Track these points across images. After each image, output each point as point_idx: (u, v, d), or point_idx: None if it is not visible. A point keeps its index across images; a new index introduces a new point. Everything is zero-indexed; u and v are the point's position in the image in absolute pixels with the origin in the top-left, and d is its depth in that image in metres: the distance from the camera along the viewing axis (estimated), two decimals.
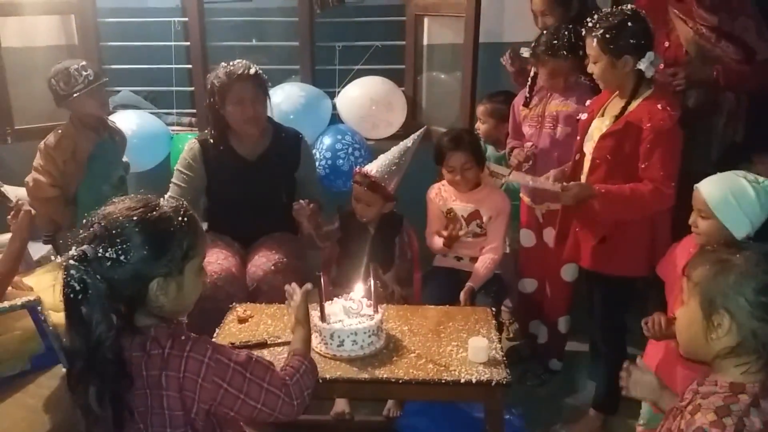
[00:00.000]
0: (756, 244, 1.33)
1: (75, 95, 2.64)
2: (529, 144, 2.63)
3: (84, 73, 2.65)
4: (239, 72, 2.55)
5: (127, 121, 3.35)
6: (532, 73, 2.64)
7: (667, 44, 2.68)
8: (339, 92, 3.52)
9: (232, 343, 2.02)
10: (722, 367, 1.26)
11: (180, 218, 1.33)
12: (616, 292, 2.32)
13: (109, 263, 1.26)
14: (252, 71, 2.58)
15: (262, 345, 2.04)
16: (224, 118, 2.60)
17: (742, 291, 1.21)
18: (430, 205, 2.74)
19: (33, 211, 2.17)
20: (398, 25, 3.61)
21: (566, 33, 2.44)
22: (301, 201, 2.49)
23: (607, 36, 2.10)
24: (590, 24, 2.16)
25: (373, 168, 2.52)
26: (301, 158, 2.74)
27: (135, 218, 1.29)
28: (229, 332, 2.12)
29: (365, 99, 3.44)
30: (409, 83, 3.60)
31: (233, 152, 2.65)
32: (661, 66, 2.57)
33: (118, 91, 3.80)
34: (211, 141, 2.64)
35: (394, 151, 2.54)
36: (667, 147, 2.09)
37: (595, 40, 2.13)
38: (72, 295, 1.24)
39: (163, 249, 1.30)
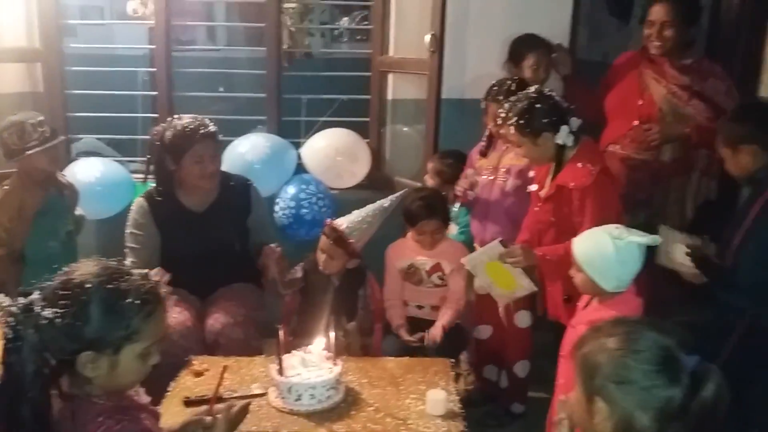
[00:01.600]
0: (633, 320, 1.26)
1: (27, 153, 2.57)
2: (470, 171, 2.72)
3: (40, 130, 2.59)
4: (201, 131, 2.51)
5: (90, 168, 3.33)
6: (487, 131, 2.74)
7: (641, 102, 2.83)
8: (304, 143, 3.57)
9: (187, 398, 1.99)
10: None
11: (136, 299, 1.29)
12: None
13: (45, 321, 1.23)
14: (212, 129, 2.56)
15: (218, 399, 1.99)
16: (172, 173, 2.55)
17: (611, 380, 1.15)
18: (388, 264, 2.77)
19: None
20: (364, 79, 3.70)
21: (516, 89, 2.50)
22: (272, 245, 2.49)
23: (521, 122, 2.24)
24: (503, 115, 2.30)
25: (343, 222, 2.53)
26: (252, 205, 2.71)
27: (87, 285, 1.26)
28: (185, 386, 2.09)
29: (330, 150, 3.49)
30: (373, 135, 3.67)
31: (181, 206, 2.60)
32: (636, 122, 2.76)
33: (81, 138, 3.79)
34: (158, 198, 2.58)
35: (369, 209, 2.55)
36: (595, 200, 2.20)
37: (512, 128, 2.26)
38: (7, 342, 1.22)
39: (101, 324, 1.26)
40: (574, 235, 2.20)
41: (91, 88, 3.72)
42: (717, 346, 2.12)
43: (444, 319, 2.63)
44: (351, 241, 2.50)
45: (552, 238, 2.34)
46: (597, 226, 2.13)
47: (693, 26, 2.87)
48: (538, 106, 2.24)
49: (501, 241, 2.37)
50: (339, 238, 2.50)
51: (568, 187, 2.24)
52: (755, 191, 2.25)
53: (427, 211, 2.63)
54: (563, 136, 2.24)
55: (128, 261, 2.47)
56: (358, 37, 5.33)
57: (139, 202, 2.63)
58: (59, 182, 2.82)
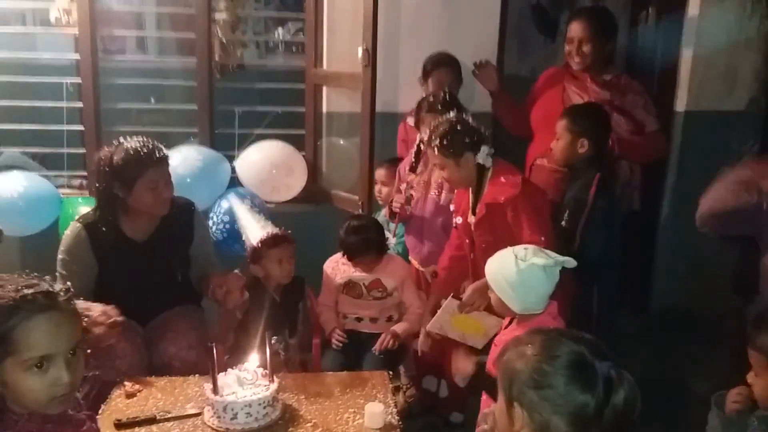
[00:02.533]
0: (550, 330, 1.30)
1: None
2: (403, 186, 2.76)
3: None
4: (156, 155, 2.38)
5: (13, 182, 3.19)
6: (417, 140, 2.78)
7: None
8: (238, 156, 3.53)
9: (119, 420, 1.94)
10: None
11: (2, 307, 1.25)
12: None
13: None
14: (165, 153, 2.44)
15: (151, 421, 1.96)
16: (118, 200, 2.40)
17: (528, 385, 1.19)
18: (325, 277, 2.79)
19: None
20: (298, 91, 3.69)
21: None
22: (236, 272, 2.42)
23: (444, 143, 2.32)
24: (426, 139, 2.39)
25: (267, 228, 2.57)
26: (195, 232, 2.60)
27: None
28: (116, 408, 2.03)
29: (266, 163, 3.46)
30: (309, 148, 3.67)
31: (122, 235, 2.45)
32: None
33: (1, 152, 3.62)
34: (99, 226, 2.42)
35: (249, 213, 2.73)
36: (528, 207, 2.29)
37: (436, 149, 2.33)
38: None
39: None
40: None
41: (13, 98, 3.57)
42: None
43: (401, 327, 2.65)
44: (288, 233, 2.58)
45: None
46: (536, 231, 2.23)
47: (610, 43, 3.02)
48: (458, 128, 2.33)
49: (454, 296, 2.41)
50: (289, 237, 2.57)
51: (498, 203, 2.31)
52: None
53: (363, 248, 2.66)
54: (483, 156, 2.33)
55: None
56: (294, 50, 5.29)
57: (75, 230, 2.44)
58: None
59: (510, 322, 2.05)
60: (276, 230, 2.56)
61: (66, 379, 1.28)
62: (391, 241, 3.01)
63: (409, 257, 2.87)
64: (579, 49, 2.90)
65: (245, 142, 3.59)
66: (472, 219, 2.42)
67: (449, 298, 2.41)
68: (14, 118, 3.57)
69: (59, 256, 2.45)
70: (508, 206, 2.29)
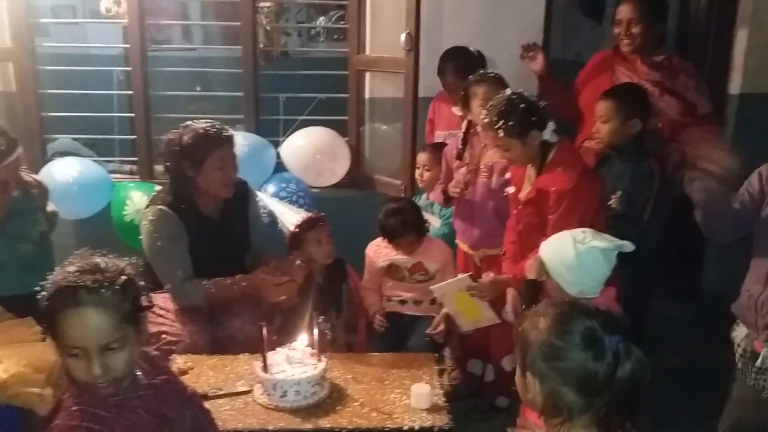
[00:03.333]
0: (565, 303, 1.31)
1: None
2: (462, 170, 2.70)
3: None
4: (223, 134, 2.45)
5: (67, 168, 3.30)
6: (464, 127, 2.75)
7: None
8: (283, 142, 3.58)
9: None
10: (557, 427, 1.24)
11: (46, 296, 1.31)
12: None
13: None
14: (232, 133, 2.50)
15: (203, 397, 2.00)
16: (189, 180, 2.45)
17: (539, 357, 1.22)
18: (368, 262, 2.81)
19: None
20: (341, 78, 3.71)
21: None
22: (298, 262, 2.47)
23: (511, 123, 2.22)
24: (487, 120, 2.27)
25: (300, 212, 2.68)
26: (250, 209, 2.67)
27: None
28: None
29: (310, 148, 3.50)
30: (352, 134, 3.69)
31: (200, 212, 2.49)
32: None
33: (56, 138, 3.74)
34: (182, 205, 2.45)
35: (279, 203, 2.84)
36: (570, 204, 2.21)
37: (501, 132, 2.23)
38: None
39: None
40: None
41: (66, 87, 3.68)
42: None
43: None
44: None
45: (537, 239, 2.35)
46: (562, 227, 2.13)
47: (660, 23, 2.95)
48: (522, 105, 2.25)
49: (470, 275, 2.44)
50: (323, 218, 2.62)
51: (548, 191, 2.26)
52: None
53: (402, 229, 2.67)
54: (549, 133, 2.26)
55: (169, 275, 2.43)
56: (335, 37, 5.31)
57: (162, 213, 2.43)
58: (25, 182, 2.70)
59: None
60: (309, 213, 2.61)
61: (96, 372, 1.31)
62: (436, 222, 3.00)
63: (457, 241, 2.85)
64: (628, 30, 2.84)
65: (289, 128, 3.63)
66: (523, 195, 2.38)
67: (466, 275, 2.45)
68: (67, 107, 3.68)
69: (155, 244, 2.42)
70: (554, 197, 2.24)
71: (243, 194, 2.64)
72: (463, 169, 2.71)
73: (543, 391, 1.23)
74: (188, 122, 2.50)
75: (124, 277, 1.36)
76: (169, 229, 2.43)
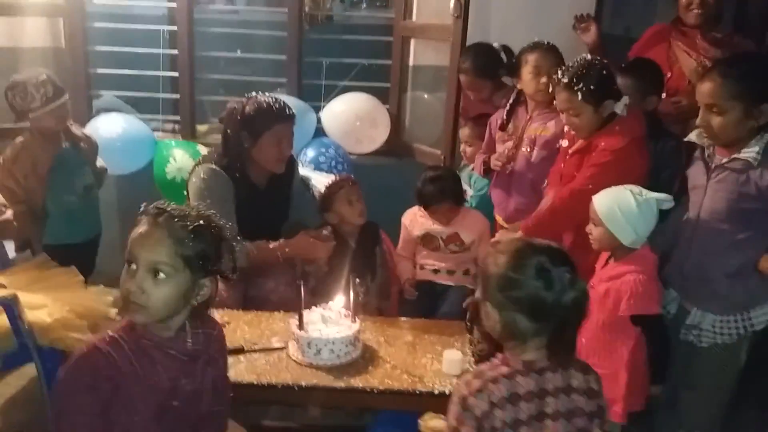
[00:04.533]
0: (521, 240, 1.49)
1: (31, 115, 2.57)
2: (509, 144, 2.66)
3: (42, 90, 2.55)
4: (286, 112, 2.46)
5: (112, 124, 3.36)
6: (511, 99, 2.71)
7: (669, 75, 2.80)
8: (324, 107, 3.57)
9: None
10: (512, 349, 1.42)
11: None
12: None
13: None
14: (292, 111, 2.50)
15: (239, 351, 2.05)
16: (243, 150, 2.45)
17: (497, 288, 1.38)
18: (403, 230, 2.80)
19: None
20: (385, 44, 3.68)
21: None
22: (325, 232, 2.49)
23: (592, 87, 2.19)
24: (565, 80, 2.22)
25: (329, 176, 2.69)
26: (294, 181, 2.69)
27: None
28: None
29: (350, 114, 3.49)
30: (393, 101, 3.67)
31: (249, 180, 2.51)
32: (664, 95, 2.69)
33: (101, 95, 3.81)
34: (235, 172, 2.46)
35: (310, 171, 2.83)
36: (607, 163, 2.21)
37: (579, 94, 2.19)
38: None
39: None
40: None
41: (112, 44, 3.73)
42: None
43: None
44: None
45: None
46: (592, 179, 2.19)
47: None
48: (604, 72, 2.22)
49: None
50: (351, 178, 2.65)
51: (598, 144, 2.24)
52: None
53: (439, 196, 2.66)
54: (621, 106, 2.24)
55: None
56: (378, 4, 5.26)
57: (215, 173, 2.43)
58: (74, 135, 2.80)
59: (607, 261, 2.06)
60: (338, 175, 2.64)
61: (131, 287, 1.37)
62: (469, 192, 2.98)
63: (495, 213, 2.83)
64: (702, 0, 2.74)
65: (331, 93, 3.63)
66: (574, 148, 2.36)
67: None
68: (113, 65, 3.73)
69: (205, 202, 2.34)
70: (597, 149, 2.24)
71: (290, 168, 2.65)
72: (509, 143, 2.67)
73: (501, 319, 1.39)
74: (253, 93, 2.50)
75: (201, 223, 1.42)
76: (219, 188, 2.44)
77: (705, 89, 1.92)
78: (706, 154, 2.04)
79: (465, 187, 2.90)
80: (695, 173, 2.08)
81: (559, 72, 2.27)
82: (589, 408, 1.41)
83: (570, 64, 2.27)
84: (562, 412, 1.38)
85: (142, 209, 1.43)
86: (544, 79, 2.51)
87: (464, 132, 3.04)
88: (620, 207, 1.95)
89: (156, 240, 1.38)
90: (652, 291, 1.94)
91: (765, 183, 1.88)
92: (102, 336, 1.43)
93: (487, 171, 2.79)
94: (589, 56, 2.30)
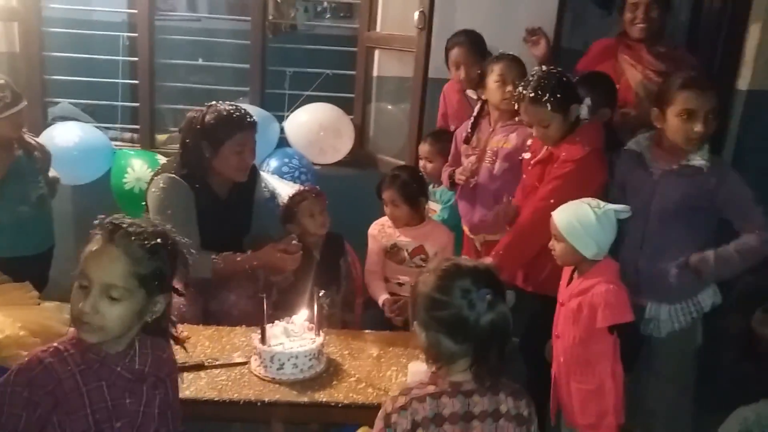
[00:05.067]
0: (449, 263, 1.45)
1: None
2: (473, 158, 2.68)
3: (0, 95, 2.48)
4: (247, 119, 2.42)
5: (68, 133, 3.26)
6: (475, 111, 2.73)
7: (617, 87, 2.84)
8: (288, 116, 3.55)
9: None
10: (439, 370, 1.45)
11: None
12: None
13: None
14: (253, 119, 2.46)
15: (199, 367, 2.00)
16: (204, 160, 2.41)
17: (422, 306, 1.41)
18: (370, 241, 2.77)
19: None
20: (349, 55, 3.67)
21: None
22: (293, 241, 2.43)
23: (559, 95, 2.24)
24: (532, 94, 2.26)
25: (294, 186, 2.67)
26: (256, 193, 2.66)
27: None
28: None
29: (314, 124, 3.47)
30: (357, 112, 3.66)
31: (209, 190, 2.47)
32: None
33: (57, 102, 3.70)
34: (195, 183, 2.42)
35: (275, 179, 2.76)
36: (567, 174, 2.26)
37: (549, 105, 2.24)
38: None
39: None
40: None
41: (69, 52, 3.63)
42: None
43: None
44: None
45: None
46: (554, 191, 2.25)
47: (668, 12, 2.94)
48: (564, 79, 2.28)
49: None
50: (316, 190, 2.62)
51: (558, 155, 2.29)
52: None
53: (389, 180, 2.66)
54: (585, 109, 2.30)
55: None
56: (341, 14, 5.26)
57: (175, 182, 2.39)
58: (28, 144, 2.71)
59: (570, 278, 2.08)
60: (303, 186, 2.60)
61: (85, 308, 1.31)
62: (437, 208, 2.99)
63: (462, 225, 2.83)
64: (646, 14, 2.81)
65: (295, 103, 3.60)
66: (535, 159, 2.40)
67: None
68: (69, 72, 3.63)
69: (165, 213, 2.33)
70: (558, 162, 2.28)
71: (252, 178, 2.62)
72: (472, 158, 2.69)
73: (427, 338, 1.42)
74: (213, 102, 2.46)
75: (159, 241, 1.37)
76: (180, 198, 2.39)
77: (708, 96, 2.14)
78: (648, 162, 2.24)
79: (432, 204, 2.91)
80: (638, 180, 2.26)
81: (520, 87, 2.31)
82: None
83: (528, 78, 2.32)
84: None
85: (96, 223, 1.38)
86: (509, 88, 2.55)
87: (423, 148, 3.03)
88: (580, 221, 1.98)
89: (111, 260, 1.33)
90: (623, 299, 1.96)
91: (712, 187, 2.15)
92: (46, 347, 1.37)
93: (453, 184, 2.80)
94: (544, 67, 2.34)
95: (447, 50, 3.05)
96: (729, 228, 2.24)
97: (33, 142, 2.77)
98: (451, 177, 2.79)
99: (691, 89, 2.14)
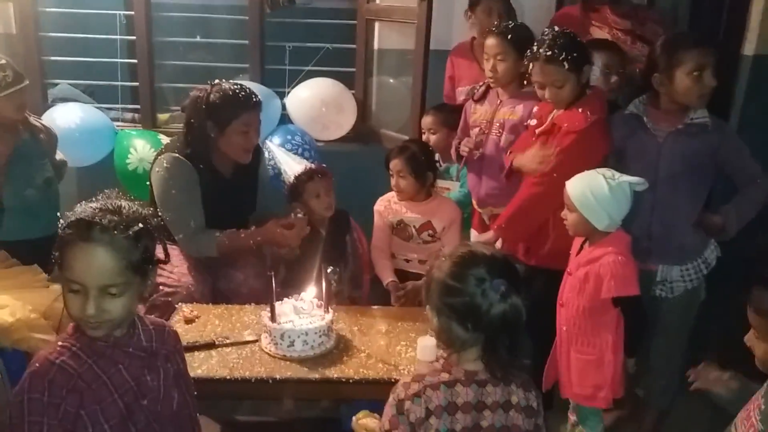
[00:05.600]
0: (466, 249, 1.43)
1: None
2: (476, 130, 2.66)
3: (1, 74, 2.47)
4: (253, 100, 2.41)
5: (70, 114, 3.25)
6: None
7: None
8: (289, 93, 3.52)
9: None
10: (451, 356, 1.43)
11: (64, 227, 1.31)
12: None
13: None
14: (259, 99, 2.45)
15: (210, 345, 2.02)
16: (209, 139, 2.41)
17: (436, 292, 1.39)
18: (377, 217, 2.75)
19: None
20: (349, 28, 3.62)
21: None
22: (299, 215, 2.44)
23: (574, 55, 2.22)
24: (549, 53, 2.22)
25: (303, 163, 2.59)
26: (260, 171, 2.66)
27: None
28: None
29: (316, 100, 3.44)
30: (359, 86, 3.62)
31: (213, 170, 2.46)
32: None
33: (56, 84, 3.67)
34: (198, 162, 2.42)
35: (285, 153, 2.72)
36: (570, 145, 2.24)
37: (566, 63, 2.21)
38: None
39: None
40: None
41: (66, 31, 3.59)
42: None
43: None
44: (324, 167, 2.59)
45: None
46: (557, 170, 2.23)
47: None
48: (577, 39, 2.27)
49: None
50: (323, 170, 2.58)
51: (560, 126, 2.27)
52: None
53: (398, 150, 2.65)
54: (598, 71, 2.31)
55: (181, 225, 2.39)
56: None
57: (179, 162, 2.39)
58: (33, 126, 2.70)
59: (581, 248, 2.07)
60: (310, 164, 2.55)
61: (89, 312, 1.29)
62: (455, 186, 2.96)
63: (472, 200, 2.80)
64: None
65: (295, 78, 3.57)
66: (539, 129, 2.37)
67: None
68: (68, 53, 3.60)
69: (169, 192, 2.37)
70: (561, 133, 2.27)
71: (256, 157, 2.61)
72: (475, 130, 2.67)
73: (438, 324, 1.40)
74: (217, 81, 2.44)
75: (140, 225, 1.33)
76: (184, 177, 2.39)
77: (712, 52, 2.15)
78: (648, 125, 2.23)
79: (444, 182, 2.89)
80: (639, 143, 2.25)
81: (534, 48, 2.27)
82: (526, 426, 1.40)
83: (542, 38, 2.28)
84: (498, 428, 1.38)
85: (65, 229, 1.30)
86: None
87: (426, 120, 2.99)
88: (593, 191, 1.96)
89: (100, 261, 1.28)
90: (630, 272, 1.96)
91: (715, 143, 2.18)
92: (52, 348, 1.36)
93: (460, 157, 2.77)
94: (556, 28, 2.31)
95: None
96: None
97: (38, 124, 2.75)
98: (458, 149, 2.76)
99: (700, 46, 2.15)
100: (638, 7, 2.95)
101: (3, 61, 2.52)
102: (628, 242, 2.02)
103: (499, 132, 2.61)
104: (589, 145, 2.25)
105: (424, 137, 3.01)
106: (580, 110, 2.25)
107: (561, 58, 2.21)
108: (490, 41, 2.50)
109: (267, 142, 3.22)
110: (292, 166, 2.76)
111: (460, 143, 2.73)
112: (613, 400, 2.04)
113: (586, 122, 2.23)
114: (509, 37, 2.48)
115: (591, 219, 1.97)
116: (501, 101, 2.62)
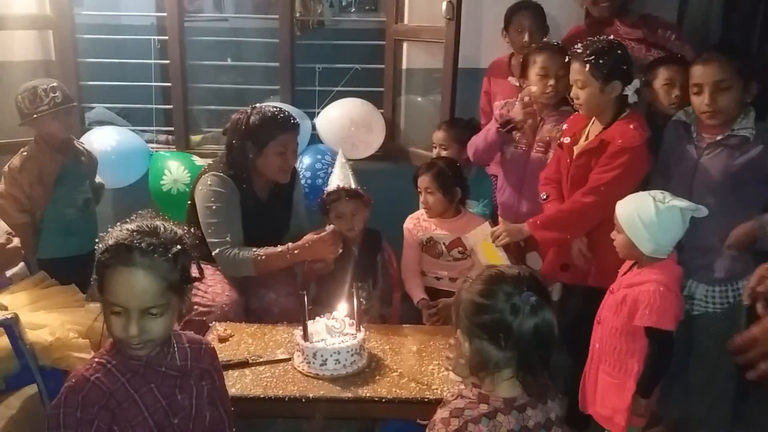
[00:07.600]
0: (496, 269, 1.41)
1: (36, 116, 2.60)
2: (528, 90, 2.56)
3: (51, 95, 2.61)
4: (291, 122, 2.49)
5: (106, 137, 3.33)
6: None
7: None
8: (318, 113, 3.56)
9: None
10: (484, 381, 1.38)
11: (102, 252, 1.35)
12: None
13: None
14: (296, 121, 2.52)
15: (244, 364, 2.03)
16: (248, 160, 2.49)
17: (466, 314, 1.37)
18: (406, 235, 2.75)
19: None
20: (377, 48, 3.66)
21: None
22: (334, 229, 2.45)
23: (600, 62, 2.17)
24: (578, 50, 2.23)
25: (339, 182, 2.54)
26: (295, 192, 2.72)
27: None
28: None
29: (345, 120, 3.48)
30: (387, 106, 3.65)
31: (252, 191, 2.54)
32: None
33: (93, 108, 3.77)
34: (241, 183, 2.49)
35: (338, 165, 2.61)
36: (623, 164, 2.18)
37: (587, 65, 2.18)
38: None
39: None
40: None
41: (102, 57, 3.69)
42: None
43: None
44: (358, 189, 2.53)
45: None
46: (608, 183, 2.18)
47: None
48: (619, 51, 2.21)
49: (489, 222, 2.51)
50: (350, 191, 2.53)
51: (613, 143, 2.20)
52: None
53: (426, 167, 2.65)
54: (632, 90, 2.21)
55: (221, 240, 2.42)
56: (367, 7, 5.26)
57: (224, 181, 2.47)
58: (76, 149, 2.84)
59: (630, 268, 2.03)
60: (344, 184, 2.53)
61: (132, 333, 1.32)
62: (471, 203, 2.94)
63: (500, 218, 2.77)
64: None
65: (325, 99, 3.61)
66: (580, 145, 2.33)
67: (486, 222, 2.54)
68: (102, 77, 3.70)
69: (211, 208, 2.44)
70: (614, 149, 2.20)
71: (292, 178, 2.66)
72: (526, 90, 2.57)
73: (470, 348, 1.37)
74: (257, 104, 2.53)
75: (178, 246, 1.36)
76: (227, 194, 2.47)
77: (712, 68, 2.08)
78: (694, 134, 2.19)
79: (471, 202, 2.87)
80: (682, 151, 2.21)
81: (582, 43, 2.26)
82: None
83: (589, 40, 2.27)
84: None
85: (105, 253, 1.33)
86: (551, 82, 2.51)
87: (438, 136, 2.94)
88: (640, 214, 1.90)
89: (142, 285, 1.32)
90: (670, 305, 1.88)
91: (759, 156, 2.08)
92: (88, 364, 1.39)
93: (506, 123, 2.63)
94: (610, 36, 2.32)
95: (509, 17, 2.96)
96: None
97: (81, 147, 2.87)
98: (503, 117, 2.63)
99: (704, 62, 2.12)
100: (647, 16, 2.91)
101: (54, 84, 2.68)
102: (678, 275, 1.95)
103: (544, 150, 2.59)
104: (639, 164, 2.22)
105: (434, 152, 2.96)
106: (631, 126, 2.20)
107: (586, 60, 2.19)
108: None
109: (305, 157, 3.26)
110: (331, 181, 2.74)
111: (507, 111, 2.65)
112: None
113: (641, 139, 2.19)
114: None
115: (636, 242, 1.92)
116: (543, 119, 2.59)
